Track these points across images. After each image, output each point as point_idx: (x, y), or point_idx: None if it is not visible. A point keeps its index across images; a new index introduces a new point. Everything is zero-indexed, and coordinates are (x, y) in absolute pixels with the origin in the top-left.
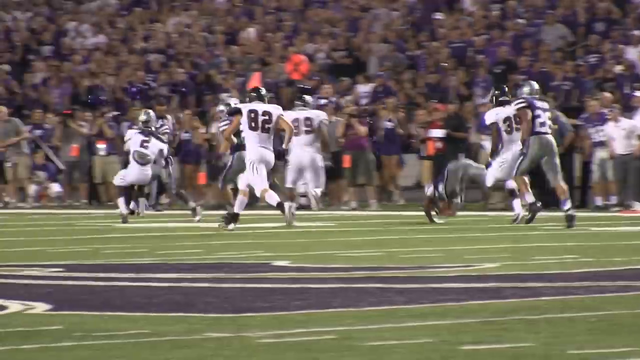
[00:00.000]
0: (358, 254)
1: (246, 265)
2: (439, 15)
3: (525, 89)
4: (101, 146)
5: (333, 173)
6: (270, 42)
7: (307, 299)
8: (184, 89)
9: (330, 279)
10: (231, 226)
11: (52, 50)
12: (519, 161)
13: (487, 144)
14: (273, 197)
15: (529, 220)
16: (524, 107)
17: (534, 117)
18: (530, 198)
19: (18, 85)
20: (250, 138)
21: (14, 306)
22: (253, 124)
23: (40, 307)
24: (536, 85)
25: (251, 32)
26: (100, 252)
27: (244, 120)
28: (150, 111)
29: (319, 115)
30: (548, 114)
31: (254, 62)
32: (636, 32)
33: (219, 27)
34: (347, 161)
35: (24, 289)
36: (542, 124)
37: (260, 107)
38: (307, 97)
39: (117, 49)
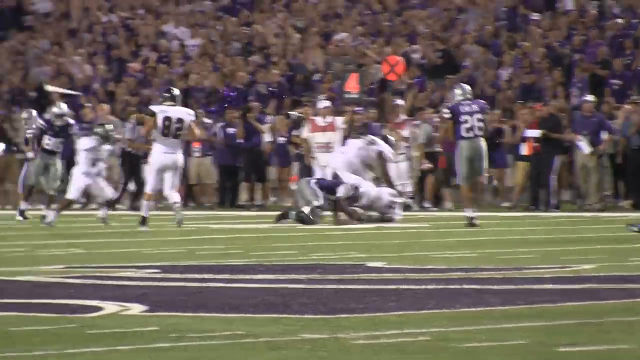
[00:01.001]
0: (453, 255)
1: (341, 267)
2: (535, 16)
3: (457, 92)
4: (196, 148)
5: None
6: (366, 43)
7: (401, 300)
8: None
9: (425, 280)
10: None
11: (150, 51)
12: (458, 169)
13: (583, 144)
14: None
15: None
16: (449, 118)
17: (460, 122)
18: (469, 212)
19: (115, 86)
20: None
21: (109, 307)
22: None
23: (136, 309)
24: (468, 88)
25: (344, 35)
26: (195, 254)
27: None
28: None
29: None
30: (478, 115)
31: (350, 63)
32: None
33: (314, 28)
34: (442, 162)
35: (120, 290)
36: (469, 129)
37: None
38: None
39: (213, 51)
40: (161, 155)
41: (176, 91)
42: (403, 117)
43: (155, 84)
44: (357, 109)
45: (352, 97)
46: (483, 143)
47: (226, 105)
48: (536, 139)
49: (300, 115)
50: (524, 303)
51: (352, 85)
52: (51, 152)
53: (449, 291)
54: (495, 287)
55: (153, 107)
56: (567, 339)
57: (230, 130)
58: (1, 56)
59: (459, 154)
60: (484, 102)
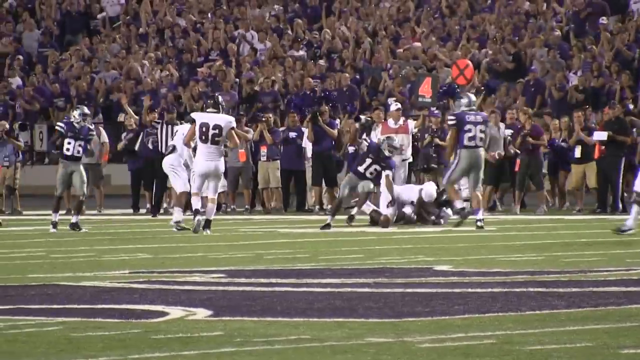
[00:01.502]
0: (519, 258)
1: (407, 270)
2: (603, 19)
3: (463, 101)
4: (263, 152)
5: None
6: (436, 46)
7: (467, 304)
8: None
9: (490, 284)
10: None
11: (219, 56)
12: (450, 171)
13: None
14: None
15: (458, 224)
16: (453, 124)
17: (464, 131)
18: (459, 204)
19: (183, 90)
20: None
21: (175, 312)
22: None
23: (201, 313)
24: (473, 98)
25: (416, 45)
26: (262, 258)
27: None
28: None
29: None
30: (481, 127)
31: (420, 67)
32: None
33: (384, 32)
34: (517, 165)
35: (185, 295)
36: (471, 138)
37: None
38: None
39: (282, 55)
40: (202, 163)
41: (220, 98)
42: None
43: (225, 88)
44: (434, 112)
45: (426, 101)
46: (483, 153)
47: (291, 110)
48: (602, 142)
49: (369, 119)
50: (589, 306)
51: (426, 90)
52: (72, 158)
53: (514, 294)
54: (561, 289)
55: (193, 114)
56: (631, 341)
57: (292, 134)
58: (70, 61)
59: (457, 161)
60: (486, 114)
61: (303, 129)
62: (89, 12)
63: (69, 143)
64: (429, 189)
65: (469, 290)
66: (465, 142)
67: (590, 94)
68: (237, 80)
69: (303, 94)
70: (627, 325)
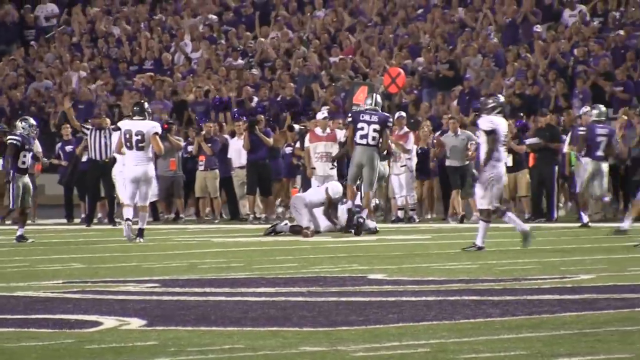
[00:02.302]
0: (454, 266)
1: (342, 279)
2: (538, 28)
3: (368, 102)
4: (200, 162)
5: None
6: (370, 55)
7: (401, 312)
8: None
9: (425, 292)
10: None
11: (153, 65)
12: (350, 170)
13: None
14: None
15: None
16: (349, 122)
17: (357, 129)
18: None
19: (117, 99)
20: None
21: (108, 322)
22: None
23: (135, 323)
24: (378, 98)
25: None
26: (196, 267)
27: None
28: None
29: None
30: (375, 126)
31: (354, 77)
32: None
33: (317, 41)
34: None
35: (119, 305)
36: (363, 137)
37: None
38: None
39: (216, 64)
40: (131, 168)
41: (146, 105)
42: (405, 129)
43: (159, 97)
44: None
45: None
46: (375, 153)
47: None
48: (534, 150)
49: (302, 127)
50: (523, 314)
51: (361, 98)
52: (26, 171)
53: (449, 302)
54: (495, 298)
55: (119, 123)
56: (565, 349)
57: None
58: (3, 70)
59: (353, 156)
60: (387, 115)
61: (226, 136)
62: (23, 22)
63: (24, 156)
64: (334, 186)
65: (403, 298)
66: (357, 140)
67: (526, 101)
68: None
69: (242, 110)
70: (562, 334)
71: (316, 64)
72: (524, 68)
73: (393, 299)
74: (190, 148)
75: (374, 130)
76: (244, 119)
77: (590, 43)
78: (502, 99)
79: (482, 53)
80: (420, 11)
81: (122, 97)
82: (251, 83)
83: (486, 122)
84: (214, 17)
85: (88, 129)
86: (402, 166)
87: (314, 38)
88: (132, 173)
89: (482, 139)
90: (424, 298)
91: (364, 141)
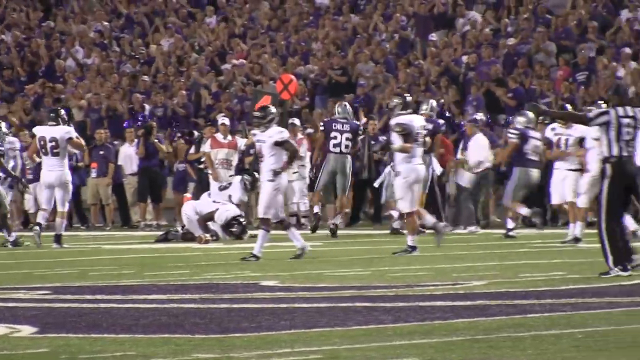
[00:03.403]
0: (346, 273)
1: (234, 286)
2: (433, 36)
3: (338, 109)
4: (93, 169)
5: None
6: (263, 62)
7: (294, 319)
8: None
9: (317, 299)
10: None
11: (45, 71)
12: (319, 177)
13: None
14: None
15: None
16: (322, 130)
17: (330, 138)
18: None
19: (8, 107)
20: None
21: None
22: None
23: (26, 330)
24: (348, 107)
25: (240, 61)
26: (87, 274)
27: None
28: None
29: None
30: (348, 135)
31: (247, 84)
32: (626, 50)
33: (210, 47)
34: None
35: (10, 312)
36: (336, 145)
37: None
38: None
39: (108, 71)
40: (46, 174)
41: (62, 111)
42: (300, 135)
43: (47, 104)
44: None
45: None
46: (348, 160)
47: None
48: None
49: (200, 133)
50: (416, 320)
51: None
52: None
53: (341, 309)
54: (387, 304)
55: (34, 129)
56: (458, 355)
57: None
58: None
59: (325, 163)
60: (357, 123)
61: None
62: None
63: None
64: (223, 212)
65: (295, 305)
66: (331, 148)
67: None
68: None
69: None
70: (454, 340)
71: (208, 71)
72: (417, 74)
73: (285, 305)
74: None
75: (347, 139)
76: (138, 125)
77: (482, 50)
78: (409, 98)
79: (374, 60)
80: (312, 18)
81: (13, 104)
82: (142, 90)
83: (397, 123)
84: (106, 23)
85: None
86: (294, 173)
87: (206, 45)
88: (46, 178)
89: (396, 139)
90: (315, 305)
91: (337, 149)
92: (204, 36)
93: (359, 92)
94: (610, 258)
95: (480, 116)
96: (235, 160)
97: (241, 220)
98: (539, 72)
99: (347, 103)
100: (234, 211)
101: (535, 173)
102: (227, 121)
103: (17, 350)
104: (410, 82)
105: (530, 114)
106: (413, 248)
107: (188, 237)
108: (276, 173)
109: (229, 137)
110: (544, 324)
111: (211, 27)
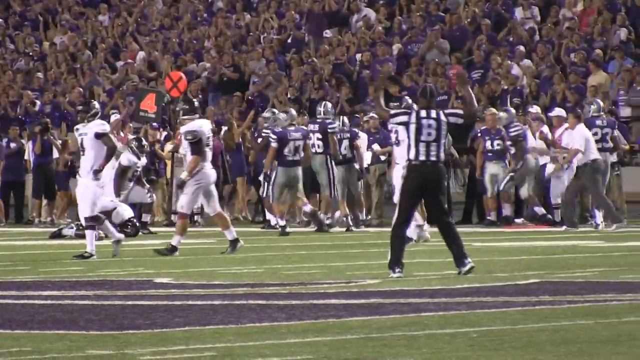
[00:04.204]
0: (240, 270)
1: (128, 283)
2: (328, 34)
3: (321, 109)
4: None
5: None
6: (156, 60)
7: (187, 316)
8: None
9: (211, 296)
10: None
11: None
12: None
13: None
14: None
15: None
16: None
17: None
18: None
19: None
20: None
21: None
22: None
23: None
24: (329, 106)
25: (140, 53)
26: None
27: None
28: None
29: None
30: (318, 135)
31: (140, 81)
32: (520, 48)
33: (103, 44)
34: None
35: None
36: (311, 145)
37: None
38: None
39: (2, 68)
40: None
41: None
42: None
43: None
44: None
45: (149, 116)
46: (324, 157)
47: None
48: None
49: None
50: (309, 318)
51: (149, 105)
52: None
53: (235, 306)
54: (281, 302)
55: None
56: (352, 353)
57: (13, 145)
58: None
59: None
60: (327, 122)
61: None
62: None
63: None
64: (121, 211)
65: (190, 302)
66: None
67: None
68: None
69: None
70: (348, 338)
71: (100, 68)
72: (310, 72)
73: (179, 302)
74: None
75: (318, 139)
76: (30, 122)
77: (376, 48)
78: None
79: (266, 58)
80: (205, 15)
81: None
82: (36, 87)
83: (187, 131)
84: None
85: None
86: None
87: (100, 42)
88: None
89: (187, 147)
90: (210, 302)
91: (312, 150)
92: (97, 33)
93: (252, 89)
94: (390, 259)
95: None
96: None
97: (135, 221)
98: (434, 70)
99: (327, 102)
100: (129, 213)
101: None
102: (117, 117)
103: None
104: (303, 80)
105: (512, 110)
106: (174, 249)
107: (81, 234)
108: (97, 172)
109: (121, 133)
110: (438, 323)
111: (104, 24)
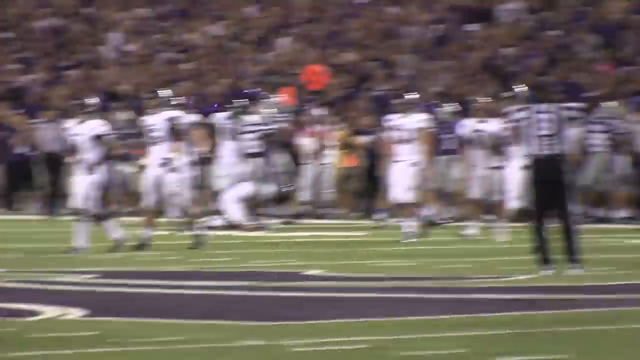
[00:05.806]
0: (392, 264)
1: (278, 275)
2: (471, 27)
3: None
4: None
5: None
6: (302, 53)
7: (340, 308)
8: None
9: (363, 289)
10: None
11: (87, 58)
12: None
13: None
14: None
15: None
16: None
17: None
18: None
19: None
20: None
21: (49, 311)
22: None
23: (76, 313)
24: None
25: (284, 42)
26: (133, 259)
27: None
28: None
29: None
30: None
31: (287, 74)
32: None
33: (249, 36)
34: None
35: (60, 295)
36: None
37: None
38: None
39: (149, 58)
40: None
41: None
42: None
43: (92, 90)
44: None
45: (289, 108)
46: None
47: None
48: None
49: None
50: (463, 312)
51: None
52: None
53: (388, 299)
54: (434, 296)
55: None
56: (505, 348)
57: None
58: None
59: None
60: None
61: None
62: None
63: None
64: None
65: (342, 294)
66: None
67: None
68: None
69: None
70: (501, 333)
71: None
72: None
73: (331, 294)
74: None
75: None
76: None
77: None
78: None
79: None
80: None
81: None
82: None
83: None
84: (145, 10)
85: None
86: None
87: (244, 33)
88: None
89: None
90: (362, 294)
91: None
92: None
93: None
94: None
95: None
96: None
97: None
98: (583, 66)
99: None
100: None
101: None
102: None
103: (67, 332)
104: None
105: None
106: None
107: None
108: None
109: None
110: (591, 320)
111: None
